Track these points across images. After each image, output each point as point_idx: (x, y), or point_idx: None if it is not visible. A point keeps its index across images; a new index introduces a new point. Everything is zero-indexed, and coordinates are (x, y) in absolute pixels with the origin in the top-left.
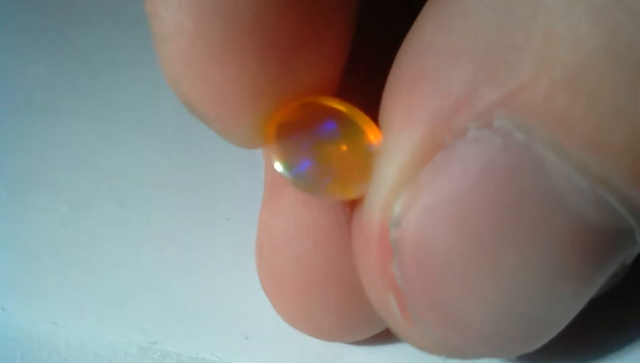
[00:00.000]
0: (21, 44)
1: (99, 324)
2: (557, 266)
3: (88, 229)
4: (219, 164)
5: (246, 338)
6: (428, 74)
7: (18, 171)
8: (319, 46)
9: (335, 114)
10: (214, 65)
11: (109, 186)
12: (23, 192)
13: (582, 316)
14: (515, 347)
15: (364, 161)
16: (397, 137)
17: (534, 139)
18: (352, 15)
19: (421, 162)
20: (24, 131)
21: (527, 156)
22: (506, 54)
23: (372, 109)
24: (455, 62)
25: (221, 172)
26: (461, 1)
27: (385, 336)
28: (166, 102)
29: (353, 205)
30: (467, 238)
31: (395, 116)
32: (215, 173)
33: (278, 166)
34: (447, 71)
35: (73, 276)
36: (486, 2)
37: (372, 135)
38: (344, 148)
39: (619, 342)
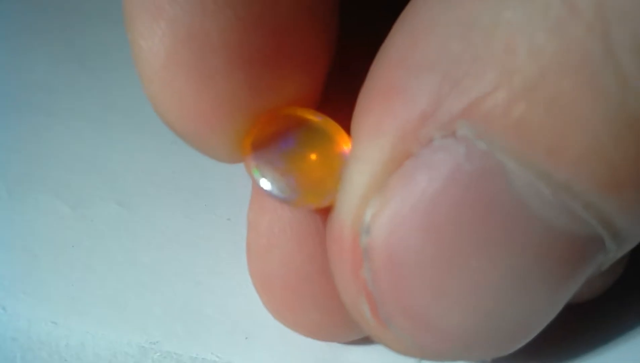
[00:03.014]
0: (22, 45)
1: (99, 324)
2: (524, 271)
3: (88, 229)
4: (219, 164)
5: (246, 338)
6: (396, 86)
7: (19, 171)
8: (290, 62)
9: (306, 124)
10: (187, 87)
11: (109, 186)
12: (24, 192)
13: (570, 319)
14: (488, 349)
15: (336, 169)
16: (367, 146)
17: (495, 148)
18: (326, 31)
19: (389, 170)
20: (25, 131)
21: (490, 165)
22: (469, 66)
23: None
24: (421, 75)
25: (221, 172)
26: (427, 17)
27: None
28: None
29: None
30: (433, 243)
31: (366, 126)
32: (215, 173)
33: (255, 179)
34: (414, 83)
35: (73, 276)
36: (450, 17)
37: (344, 143)
38: (313, 157)
39: (605, 344)
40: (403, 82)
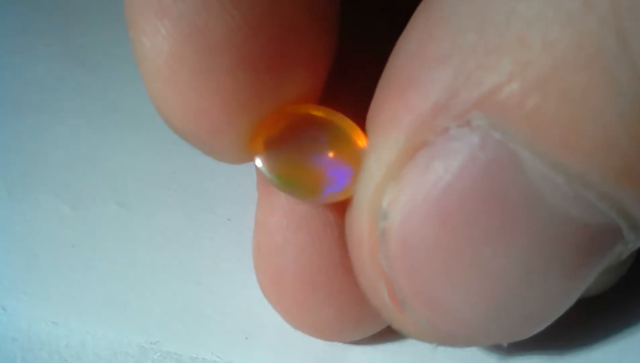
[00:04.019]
0: (22, 45)
1: (100, 324)
2: (538, 260)
3: (89, 229)
4: (220, 164)
5: (246, 338)
6: (412, 79)
7: (19, 171)
8: (294, 61)
9: (320, 121)
10: (190, 86)
11: (109, 186)
12: (24, 192)
13: (579, 312)
14: (502, 335)
15: (353, 165)
16: (384, 137)
17: (510, 138)
18: (329, 29)
19: (405, 159)
20: (25, 131)
21: (503, 154)
22: (483, 58)
23: (357, 114)
24: (436, 67)
25: (222, 172)
26: (442, 10)
27: (384, 335)
28: None
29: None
30: (447, 230)
31: (382, 118)
32: (215, 173)
33: (269, 179)
34: (429, 75)
35: (73, 276)
36: (464, 10)
37: (358, 139)
38: (331, 154)
39: (616, 337)
40: (418, 74)
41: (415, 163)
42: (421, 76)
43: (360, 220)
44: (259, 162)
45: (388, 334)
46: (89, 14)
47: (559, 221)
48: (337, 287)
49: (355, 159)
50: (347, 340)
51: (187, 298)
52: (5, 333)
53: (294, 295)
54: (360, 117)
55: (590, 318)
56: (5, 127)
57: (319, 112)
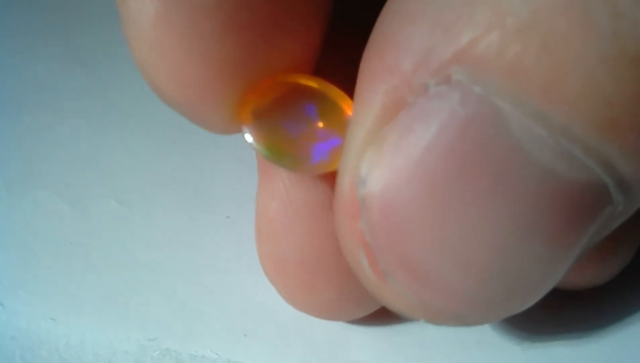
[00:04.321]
0: (22, 45)
1: (98, 321)
2: (525, 222)
3: (88, 226)
4: (219, 162)
5: (245, 335)
6: (390, 37)
7: (18, 169)
8: (285, 28)
9: (310, 91)
10: (177, 50)
11: (108, 184)
12: (23, 190)
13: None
14: (495, 309)
15: (342, 134)
16: (363, 98)
17: (491, 92)
18: None
19: (384, 121)
20: (25, 129)
21: (485, 109)
22: (460, 10)
23: (351, 86)
24: (414, 23)
25: (221, 171)
26: None
27: (382, 317)
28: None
29: None
30: (429, 193)
31: (362, 81)
32: (214, 171)
33: (257, 149)
34: (406, 32)
35: (72, 273)
36: None
37: (348, 109)
38: (321, 124)
39: (611, 329)
40: (396, 33)
41: (394, 125)
42: (399, 34)
43: (341, 187)
44: (246, 132)
45: (386, 316)
46: (89, 14)
47: (544, 179)
48: (337, 270)
49: (345, 128)
50: (348, 318)
51: (186, 295)
52: (4, 332)
53: (295, 279)
54: (352, 89)
55: (587, 310)
56: (5, 125)
57: (309, 81)
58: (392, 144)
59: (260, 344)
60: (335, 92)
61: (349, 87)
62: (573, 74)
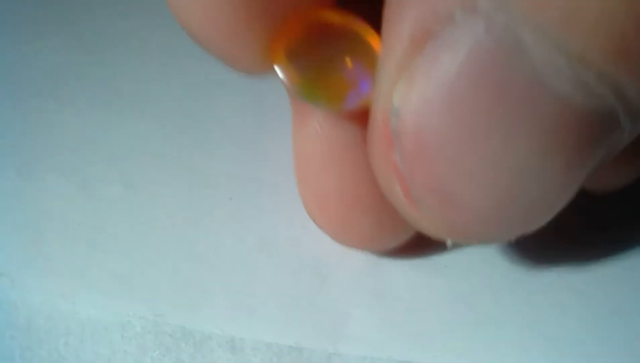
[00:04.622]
0: (32, 35)
1: (105, 298)
2: (541, 147)
3: (94, 208)
4: (221, 146)
5: (249, 313)
6: None
7: (28, 153)
8: None
9: (340, 29)
10: None
11: (114, 167)
12: (32, 173)
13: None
14: (512, 227)
15: (373, 71)
16: (392, 33)
17: (513, 20)
18: None
19: (413, 52)
20: (34, 115)
21: (508, 38)
22: None
23: (376, 20)
24: None
25: (223, 154)
26: None
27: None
28: (170, 88)
29: None
30: (456, 122)
31: (390, 13)
32: (217, 154)
33: (291, 88)
34: None
35: (80, 252)
36: None
37: (377, 45)
38: (352, 62)
39: (616, 261)
40: None
41: (423, 56)
42: None
43: (374, 120)
44: (279, 71)
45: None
46: (96, 5)
47: (561, 106)
48: (373, 202)
49: (374, 63)
50: (384, 247)
51: (191, 274)
52: (4, 332)
53: (335, 212)
54: (378, 23)
55: (596, 243)
56: (14, 111)
57: (336, 17)
58: (421, 75)
59: (263, 321)
60: (363, 28)
61: (371, 19)
62: (590, 4)
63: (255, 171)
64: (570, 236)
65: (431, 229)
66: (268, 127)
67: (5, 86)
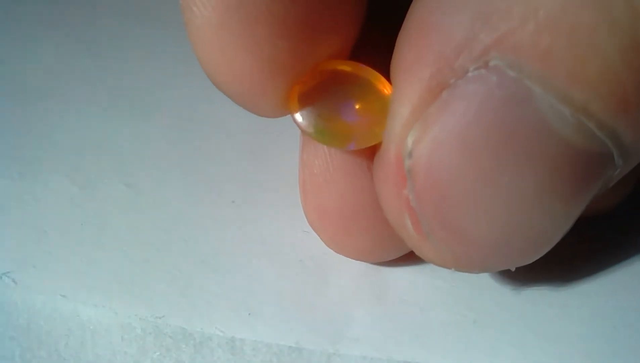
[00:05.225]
0: (34, 36)
1: (106, 298)
2: (546, 185)
3: (97, 208)
4: (225, 149)
5: (249, 314)
6: (433, 24)
7: (30, 154)
8: (328, 28)
9: (349, 76)
10: (235, 52)
11: (117, 168)
12: (34, 173)
13: (585, 232)
14: (515, 258)
15: (380, 112)
16: (408, 79)
17: (524, 75)
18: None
19: (429, 100)
20: (36, 116)
21: (518, 90)
22: (498, 3)
23: (382, 67)
24: (456, 12)
25: (227, 157)
26: None
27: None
28: (173, 89)
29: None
30: (469, 163)
31: (406, 60)
32: (221, 158)
33: (307, 133)
34: (449, 20)
35: (82, 252)
36: None
37: (384, 88)
38: (358, 106)
39: (614, 261)
40: (439, 20)
41: (439, 103)
42: (441, 21)
43: (387, 159)
44: (298, 118)
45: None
46: (98, 6)
47: (564, 149)
48: (372, 219)
49: (383, 106)
50: (381, 260)
51: (192, 275)
52: (4, 332)
53: (336, 226)
54: (384, 70)
55: (596, 238)
56: (17, 112)
57: (346, 67)
58: (436, 121)
59: (263, 322)
60: (371, 74)
61: (378, 66)
62: (594, 61)
63: (258, 174)
64: (570, 236)
65: (438, 260)
66: (271, 131)
67: (9, 86)
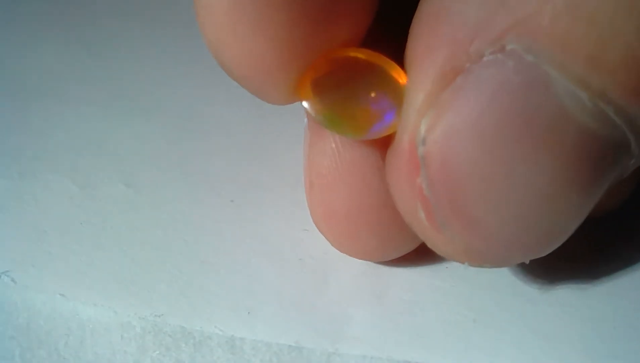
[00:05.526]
0: (34, 35)
1: (106, 298)
2: (563, 173)
3: (96, 208)
4: (224, 148)
5: (248, 313)
6: (447, 9)
7: (30, 154)
8: (342, 13)
9: (363, 63)
10: (248, 35)
11: (116, 167)
12: (34, 172)
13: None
14: (529, 250)
15: (395, 101)
16: (421, 65)
17: (542, 60)
18: None
19: (443, 85)
20: (36, 116)
21: (536, 75)
22: None
23: (397, 55)
24: None
25: (226, 156)
26: None
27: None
28: (173, 89)
29: (389, 140)
30: (484, 151)
31: (420, 47)
32: (220, 157)
33: (318, 120)
34: (463, 4)
35: (82, 252)
36: None
37: (399, 77)
38: (375, 93)
39: (615, 260)
40: (453, 5)
41: (453, 89)
42: (456, 6)
43: (400, 146)
44: (306, 104)
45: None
46: (98, 6)
47: (582, 136)
48: (379, 220)
49: (398, 95)
50: (386, 259)
51: (192, 275)
52: (4, 332)
53: (342, 227)
54: (399, 58)
55: (601, 237)
56: (16, 112)
57: (361, 54)
58: (450, 107)
59: (262, 321)
60: (385, 62)
61: (392, 54)
62: (614, 46)
63: (258, 173)
64: (569, 237)
65: (451, 252)
66: (270, 130)
67: (9, 86)
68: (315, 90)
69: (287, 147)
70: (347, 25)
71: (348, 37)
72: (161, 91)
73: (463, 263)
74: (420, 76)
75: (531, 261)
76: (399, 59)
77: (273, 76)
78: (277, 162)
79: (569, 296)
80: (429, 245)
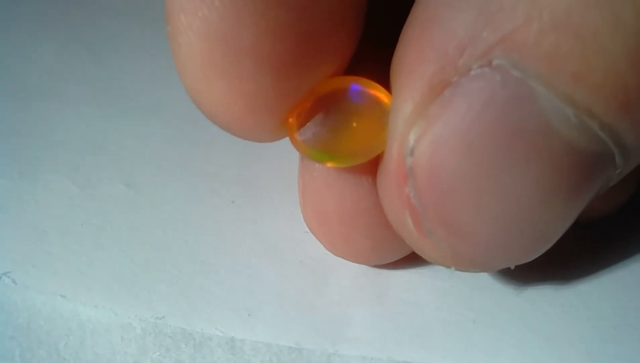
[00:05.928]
0: (34, 35)
1: (106, 299)
2: (548, 184)
3: (97, 208)
4: (225, 149)
5: (249, 314)
6: (436, 22)
7: (30, 154)
8: (317, 60)
9: (345, 93)
10: (219, 86)
11: (117, 168)
12: (34, 173)
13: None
14: (514, 256)
15: (381, 121)
16: (410, 76)
17: (528, 75)
18: (354, 30)
19: (431, 98)
20: (36, 116)
21: (522, 90)
22: (503, 2)
23: (380, 76)
24: (459, 11)
25: (227, 157)
26: None
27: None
28: (172, 89)
29: None
30: (471, 161)
31: (408, 59)
32: (221, 158)
33: (305, 155)
34: (452, 18)
35: (82, 252)
36: None
37: (384, 96)
38: (355, 124)
39: (615, 261)
40: (442, 18)
41: (441, 101)
42: (445, 19)
43: (389, 157)
44: (297, 142)
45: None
46: (98, 6)
47: (566, 149)
48: (371, 224)
49: (384, 114)
50: (380, 263)
51: (192, 276)
52: (4, 332)
53: (335, 231)
54: (381, 78)
55: (595, 241)
56: (17, 112)
57: (342, 84)
58: (438, 119)
59: (262, 323)
60: (368, 84)
61: (375, 75)
62: (599, 62)
63: (258, 174)
64: (570, 236)
65: (438, 258)
66: None
67: (9, 86)
68: (299, 127)
69: (288, 148)
70: (323, 69)
71: (330, 70)
72: (161, 91)
73: (450, 267)
74: (408, 87)
75: (531, 261)
76: (383, 76)
77: (248, 124)
78: (278, 163)
79: (569, 296)
80: (417, 251)
